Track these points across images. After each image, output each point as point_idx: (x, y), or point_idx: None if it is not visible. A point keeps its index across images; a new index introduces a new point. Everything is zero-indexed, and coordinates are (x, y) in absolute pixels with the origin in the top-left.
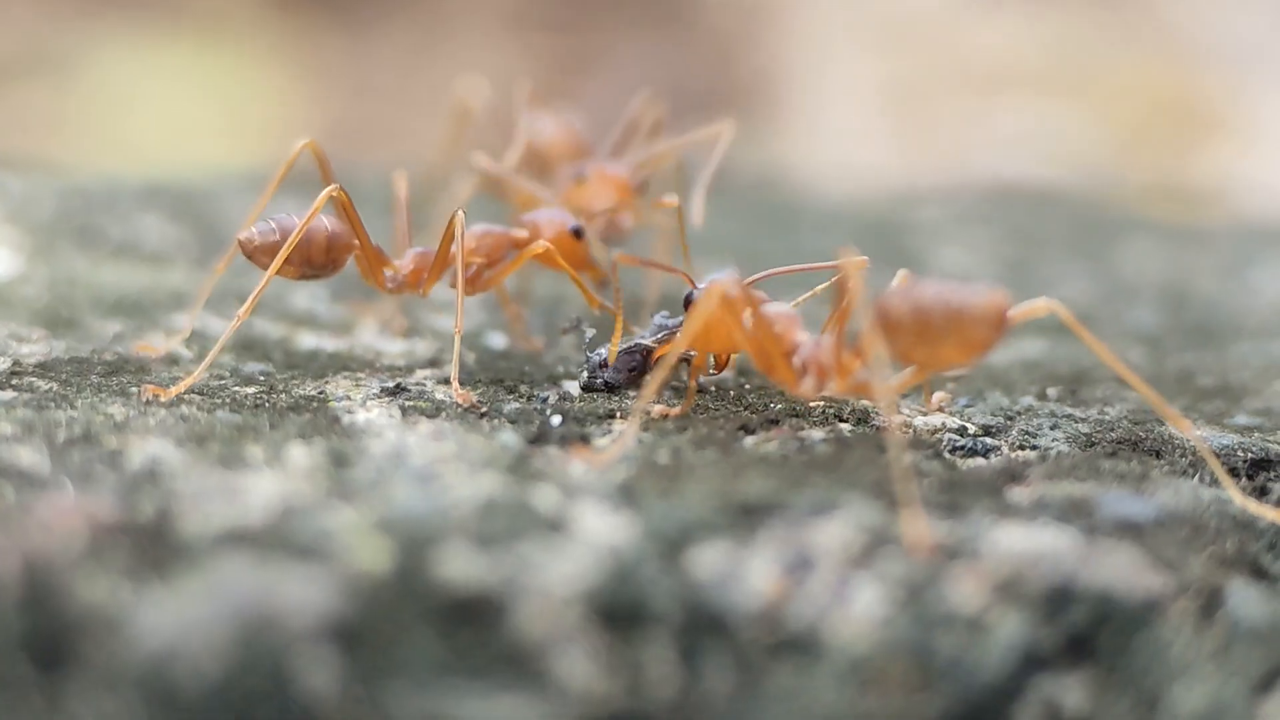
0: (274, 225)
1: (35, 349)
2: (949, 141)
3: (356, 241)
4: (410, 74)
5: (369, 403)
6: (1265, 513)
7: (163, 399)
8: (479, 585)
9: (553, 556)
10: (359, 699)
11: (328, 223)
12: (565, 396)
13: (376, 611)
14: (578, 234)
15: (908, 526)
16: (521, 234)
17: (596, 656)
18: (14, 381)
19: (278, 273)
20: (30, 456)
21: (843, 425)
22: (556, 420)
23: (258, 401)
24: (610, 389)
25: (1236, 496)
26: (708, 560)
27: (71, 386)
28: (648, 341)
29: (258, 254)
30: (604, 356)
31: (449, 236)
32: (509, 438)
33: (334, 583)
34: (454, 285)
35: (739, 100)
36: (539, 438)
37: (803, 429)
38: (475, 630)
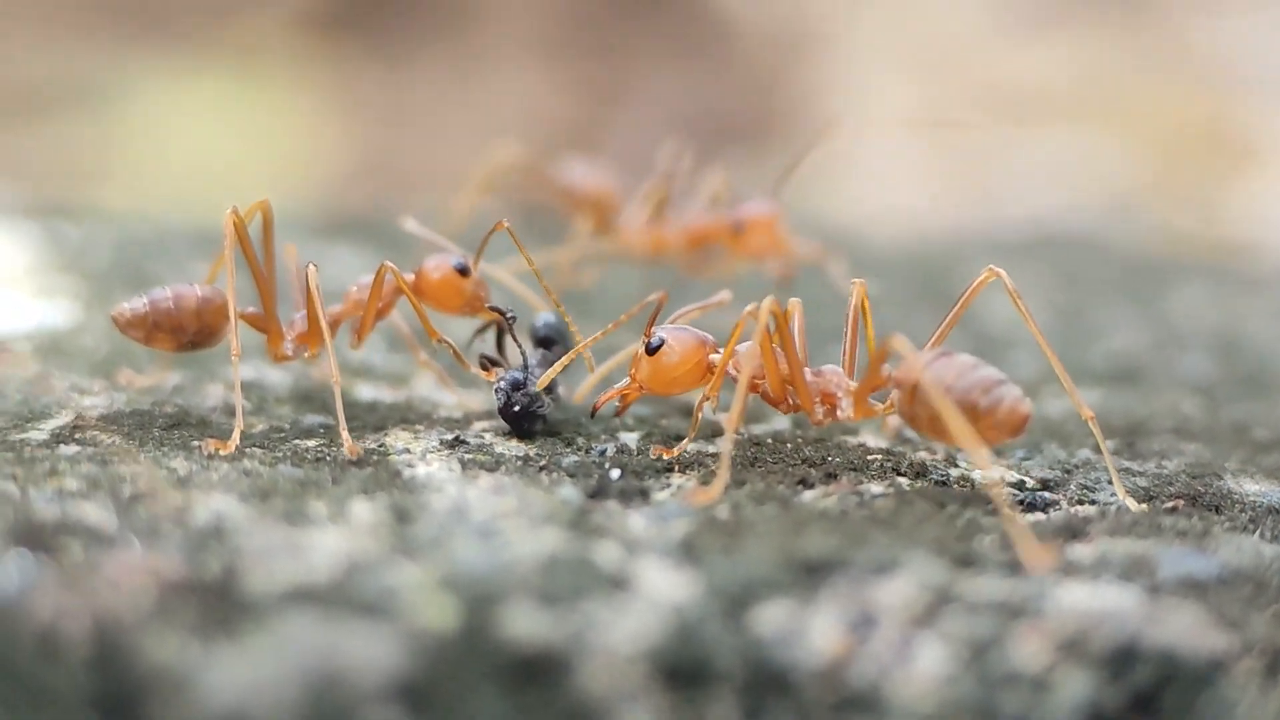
0: (145, 299)
1: (97, 401)
2: (984, 170)
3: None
4: (444, 104)
5: (429, 456)
6: None
7: (223, 453)
8: (544, 643)
9: (616, 614)
10: None
11: (199, 290)
12: (622, 449)
13: (442, 670)
14: (462, 271)
15: (1024, 548)
16: (409, 278)
17: (660, 714)
18: (77, 435)
19: (157, 346)
20: (96, 513)
21: (901, 479)
22: (615, 474)
23: (319, 455)
24: (527, 420)
25: None
26: (771, 618)
27: (134, 440)
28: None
29: (129, 328)
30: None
31: (376, 286)
32: (569, 492)
33: (400, 641)
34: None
35: (771, 130)
36: (598, 492)
37: (861, 483)
38: (540, 688)
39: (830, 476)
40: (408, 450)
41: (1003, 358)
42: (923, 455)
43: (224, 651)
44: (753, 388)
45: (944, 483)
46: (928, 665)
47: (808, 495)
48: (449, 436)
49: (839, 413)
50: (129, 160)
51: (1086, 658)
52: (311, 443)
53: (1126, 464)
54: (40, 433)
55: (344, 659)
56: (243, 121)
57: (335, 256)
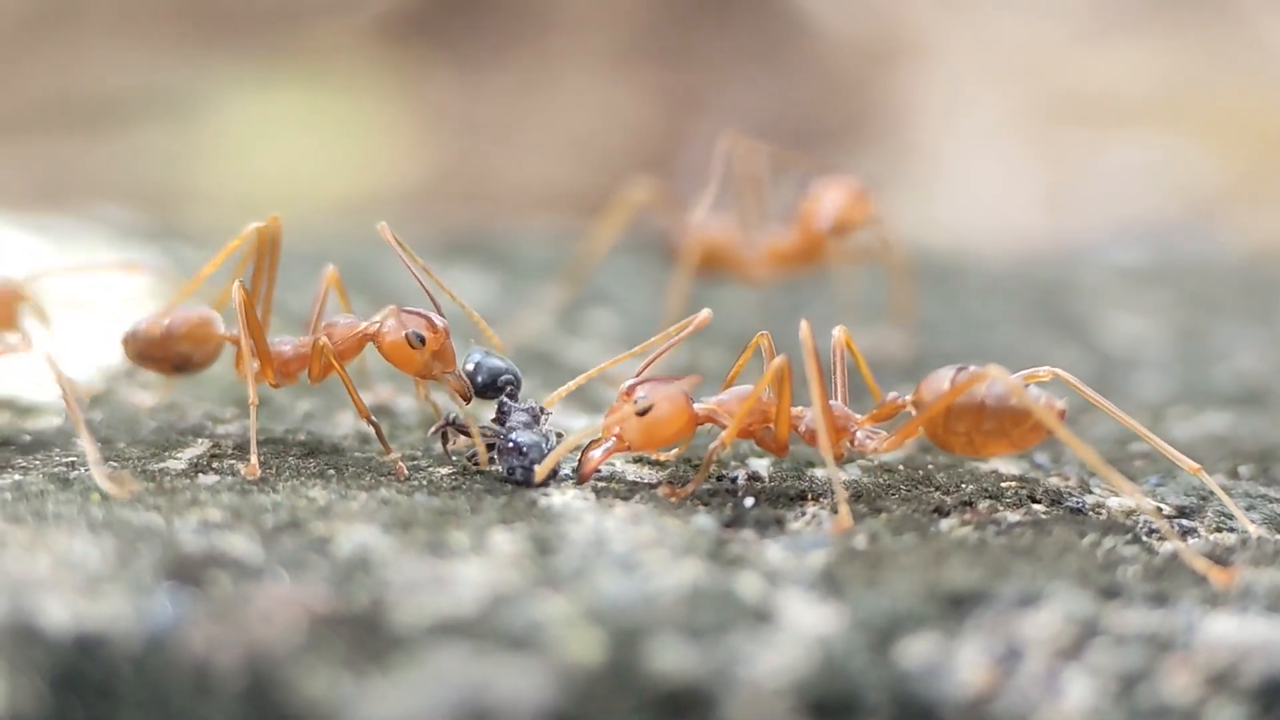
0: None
1: (231, 429)
2: (1072, 178)
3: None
4: (519, 113)
5: (562, 484)
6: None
7: (250, 478)
8: (690, 677)
9: (761, 647)
10: None
11: (183, 315)
12: (754, 476)
13: (591, 704)
14: (414, 341)
15: (1201, 567)
16: (373, 327)
17: None
18: (214, 465)
19: (154, 369)
20: (242, 544)
21: (1036, 506)
22: (749, 502)
23: (454, 484)
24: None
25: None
26: (917, 651)
27: (270, 469)
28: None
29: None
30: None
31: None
32: (704, 521)
33: (548, 674)
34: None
35: (853, 136)
36: (734, 521)
37: (997, 510)
38: None
39: (966, 504)
40: (545, 482)
41: (1125, 380)
42: (1055, 481)
43: (376, 685)
44: (747, 433)
45: (1080, 510)
46: (1076, 699)
47: (944, 524)
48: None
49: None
50: (209, 167)
51: (1237, 690)
52: (445, 470)
53: (1263, 490)
54: (179, 462)
55: (495, 692)
56: (320, 131)
57: (455, 278)
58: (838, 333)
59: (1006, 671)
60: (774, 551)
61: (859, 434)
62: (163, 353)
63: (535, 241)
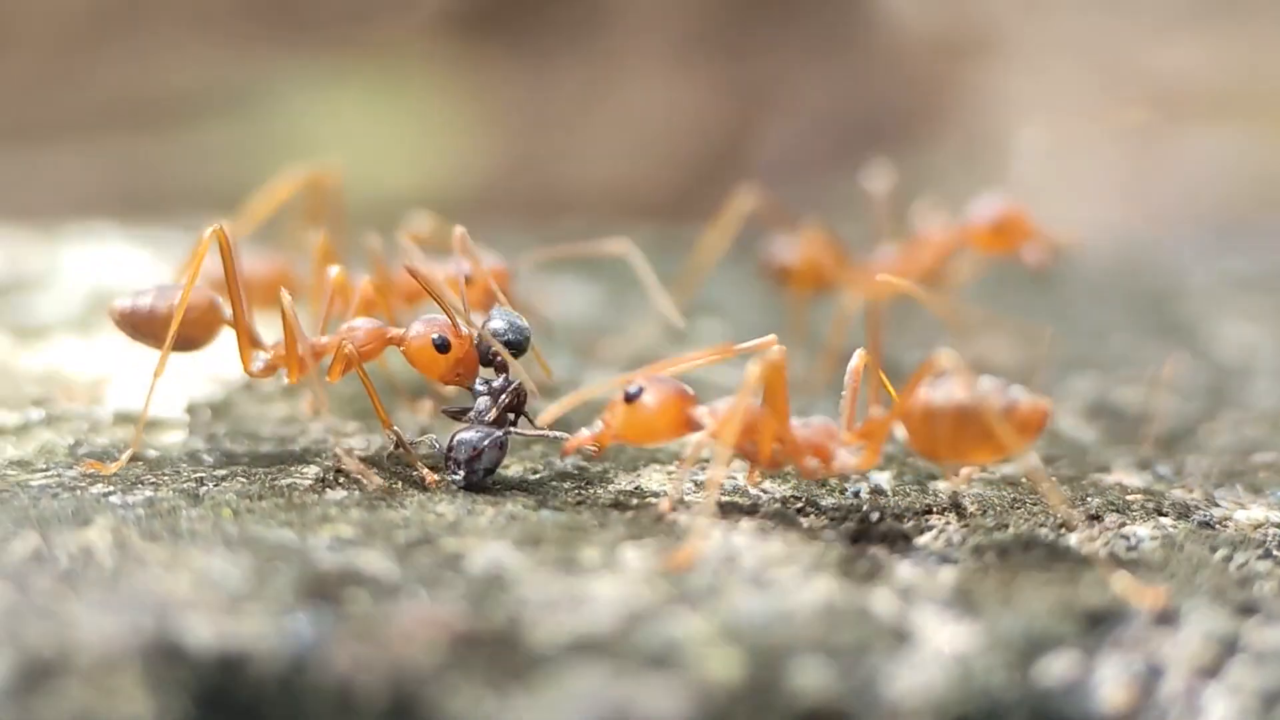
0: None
1: (354, 443)
2: (1150, 171)
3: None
4: (585, 108)
5: (687, 498)
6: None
7: (103, 473)
8: (831, 696)
9: (900, 666)
10: None
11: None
12: (876, 490)
13: None
14: (440, 347)
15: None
16: (399, 332)
17: None
18: (341, 480)
19: (149, 345)
20: (378, 561)
21: (1164, 519)
22: (875, 516)
23: (579, 498)
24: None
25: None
26: (1057, 670)
27: (396, 483)
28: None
29: (119, 325)
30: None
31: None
32: (831, 536)
33: (689, 693)
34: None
35: (923, 130)
36: (861, 536)
37: (1125, 524)
38: None
39: (1093, 519)
40: (665, 493)
41: (1243, 389)
42: (1180, 494)
43: (518, 704)
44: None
45: (1208, 524)
46: (1217, 718)
47: (1073, 539)
48: (703, 477)
49: (835, 465)
50: (277, 169)
51: None
52: (567, 484)
53: None
54: (305, 477)
55: (638, 711)
56: (385, 127)
57: (561, 289)
58: (856, 359)
59: (1146, 690)
60: (904, 567)
61: (841, 452)
62: (162, 331)
63: (639, 247)
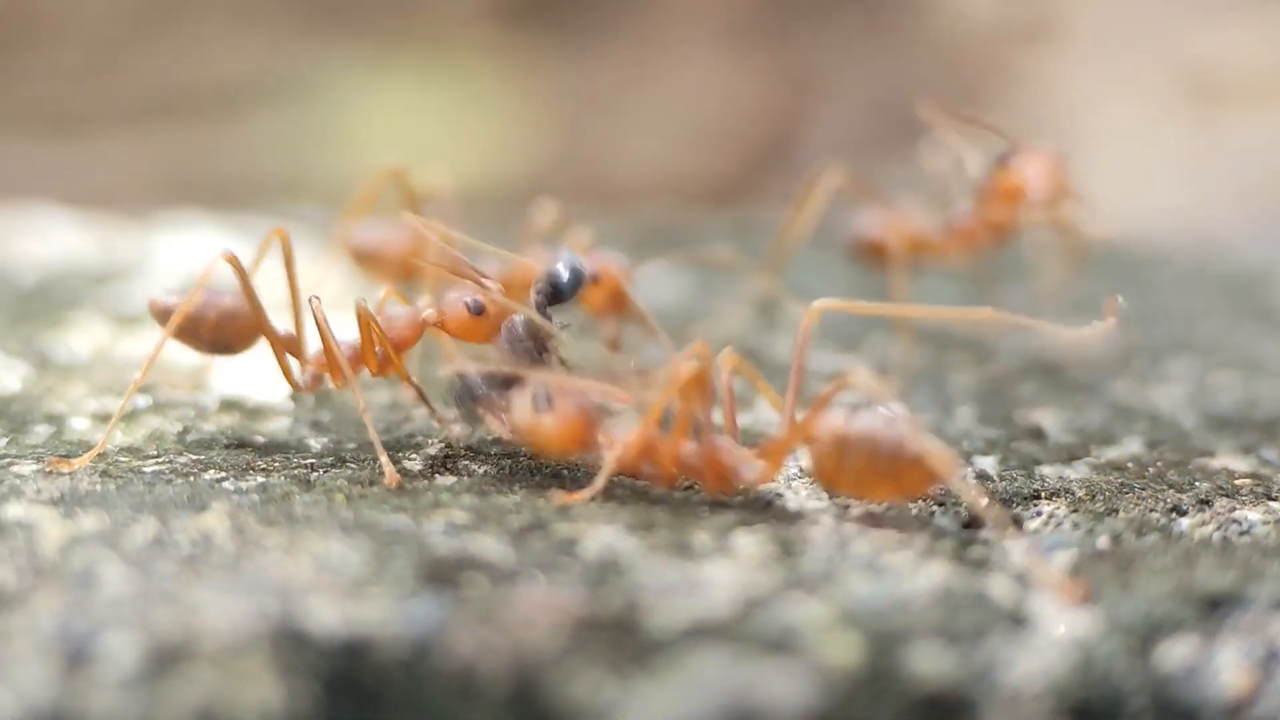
0: (177, 298)
1: (456, 430)
2: (1211, 157)
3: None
4: (633, 95)
5: (793, 484)
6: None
7: (64, 470)
8: (950, 681)
9: (1019, 652)
10: None
11: (228, 301)
12: (982, 475)
13: (855, 708)
14: (475, 310)
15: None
16: (431, 313)
17: None
18: (448, 464)
19: (190, 344)
20: (493, 546)
21: (1274, 504)
22: (984, 502)
23: (687, 482)
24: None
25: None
26: (1176, 655)
27: (505, 469)
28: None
29: (158, 318)
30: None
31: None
32: (942, 522)
33: (810, 678)
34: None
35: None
36: (972, 521)
37: (1235, 509)
38: None
39: (1203, 503)
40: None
41: None
42: None
43: (641, 689)
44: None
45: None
46: None
47: (1184, 523)
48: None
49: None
50: (326, 158)
51: None
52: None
53: None
54: (414, 463)
55: (760, 696)
56: (434, 116)
57: (650, 276)
58: (724, 361)
59: (1267, 674)
60: (1015, 552)
61: (742, 469)
62: (207, 335)
63: (717, 233)
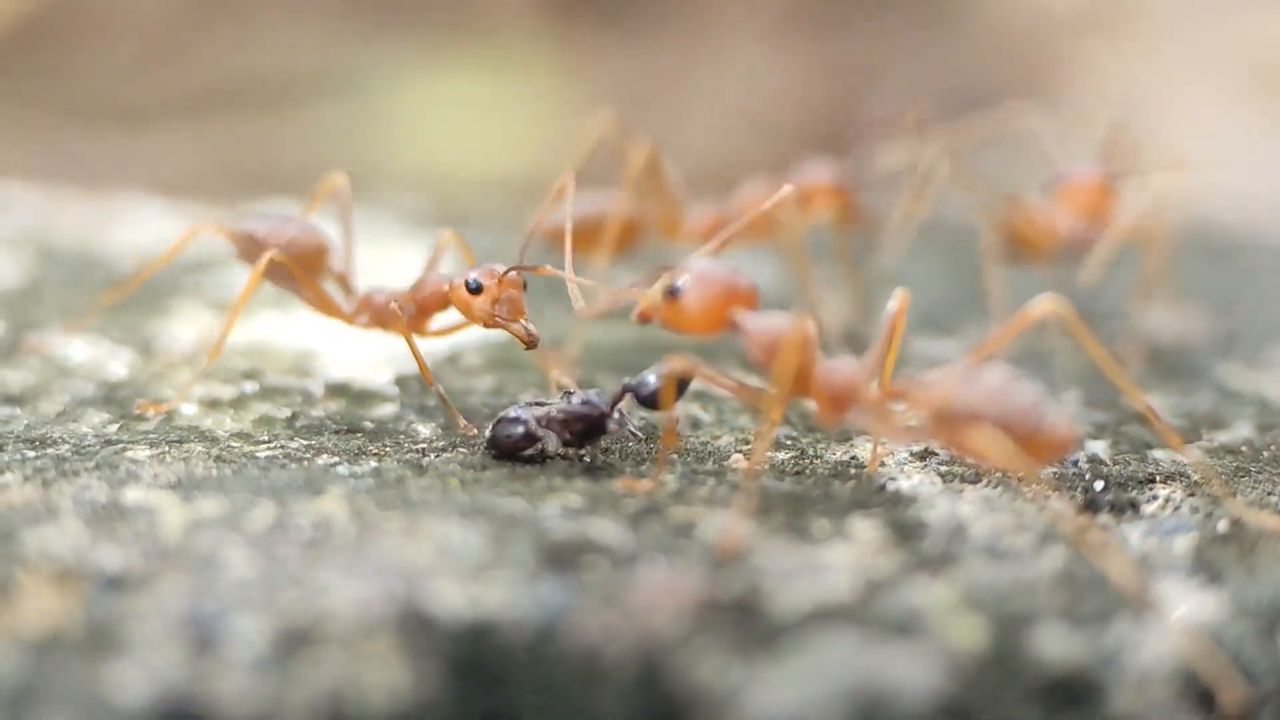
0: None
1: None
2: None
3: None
4: (685, 86)
5: (905, 468)
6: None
7: (153, 414)
8: (1077, 664)
9: (1146, 635)
10: None
11: (294, 229)
12: (1095, 459)
13: (981, 691)
14: (472, 288)
15: None
16: (444, 284)
17: None
18: (559, 451)
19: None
20: (611, 530)
21: None
22: (1099, 485)
23: (798, 468)
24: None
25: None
26: None
27: (614, 454)
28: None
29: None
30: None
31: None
32: (1058, 506)
33: (936, 661)
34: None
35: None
36: (1089, 505)
37: None
38: (1077, 710)
39: None
40: (882, 463)
41: None
42: None
43: (767, 672)
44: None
45: None
46: None
47: None
48: (917, 448)
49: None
50: (382, 150)
51: None
52: (783, 455)
53: None
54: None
55: (887, 679)
56: (488, 107)
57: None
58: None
59: None
60: (1136, 536)
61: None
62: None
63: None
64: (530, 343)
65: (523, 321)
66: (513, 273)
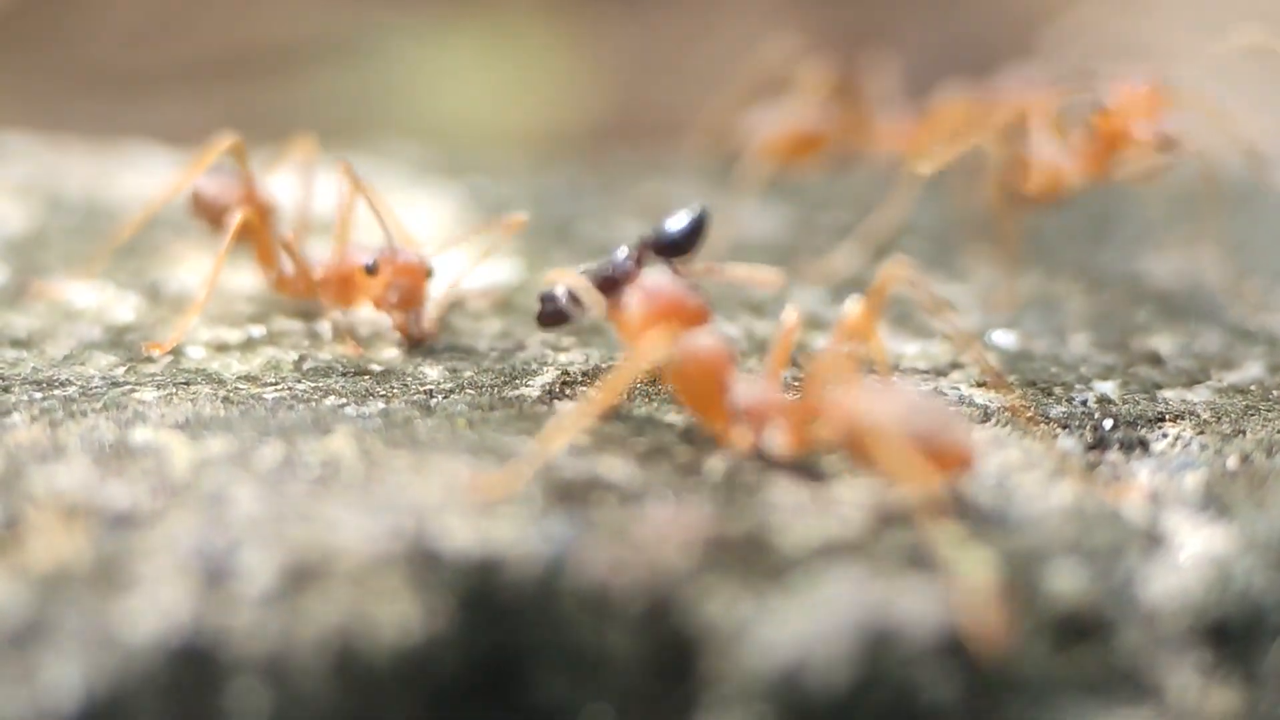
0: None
1: (573, 357)
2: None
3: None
4: (691, 53)
5: None
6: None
7: (158, 354)
8: (1089, 599)
9: (1157, 569)
10: (981, 713)
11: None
12: (1104, 399)
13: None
14: (369, 270)
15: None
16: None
17: (1207, 670)
18: (567, 392)
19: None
20: (620, 468)
21: None
22: (1109, 424)
23: None
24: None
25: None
26: None
27: (624, 395)
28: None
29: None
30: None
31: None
32: (1067, 443)
33: (944, 596)
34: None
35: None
36: (1098, 443)
37: None
38: (1088, 645)
39: None
40: None
41: None
42: None
43: (776, 606)
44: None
45: None
46: None
47: None
48: (925, 388)
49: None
50: (387, 117)
51: None
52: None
53: None
54: (533, 389)
55: (895, 614)
56: (492, 74)
57: (745, 210)
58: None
59: None
60: (1145, 473)
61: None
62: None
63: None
64: (411, 339)
65: (415, 312)
66: (418, 260)
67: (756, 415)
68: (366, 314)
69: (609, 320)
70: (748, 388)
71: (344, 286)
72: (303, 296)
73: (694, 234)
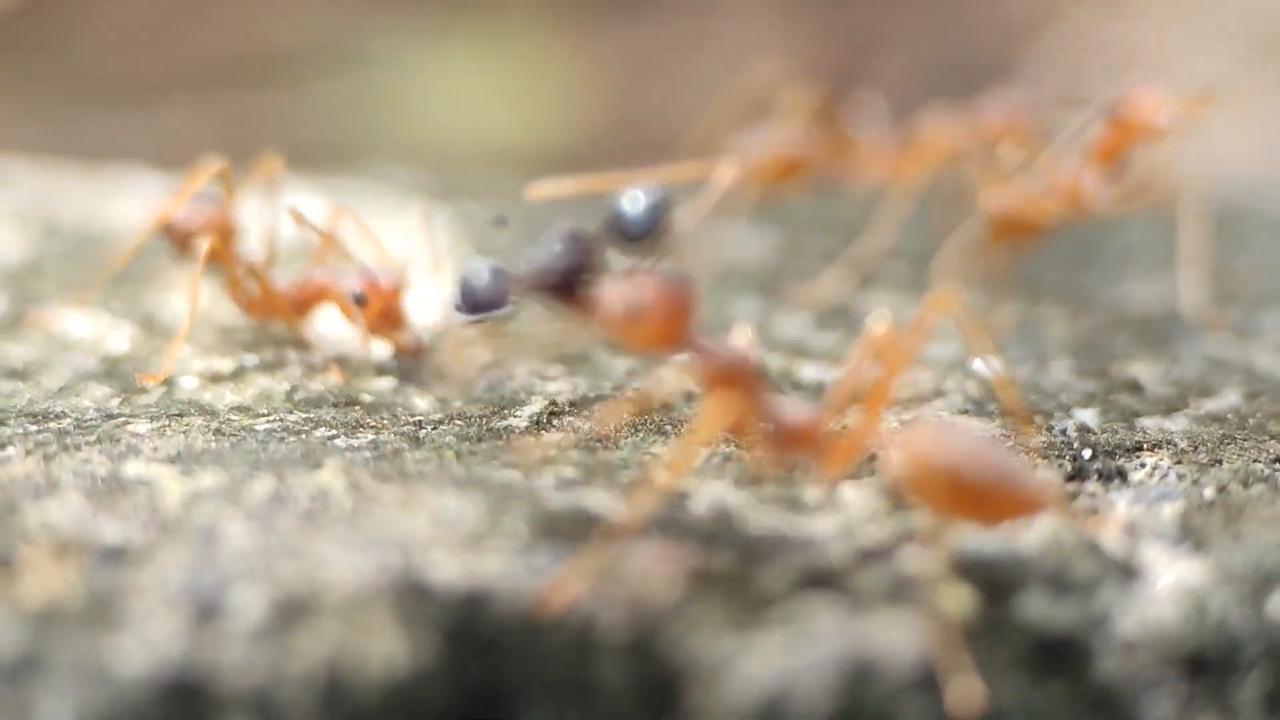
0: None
1: (561, 386)
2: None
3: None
4: (688, 58)
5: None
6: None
7: (151, 385)
8: (1065, 630)
9: (1133, 601)
10: None
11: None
12: (1084, 428)
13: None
14: (357, 300)
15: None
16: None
17: (1182, 702)
18: (554, 421)
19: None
20: (605, 501)
21: None
22: (1087, 454)
23: None
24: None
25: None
26: None
27: (609, 426)
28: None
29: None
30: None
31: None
32: (1046, 474)
33: (924, 628)
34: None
35: (1026, 76)
36: (1077, 474)
37: None
38: (1062, 676)
39: None
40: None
41: None
42: None
43: (757, 641)
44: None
45: None
46: None
47: None
48: (907, 416)
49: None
50: (386, 125)
51: None
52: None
53: None
54: (520, 419)
55: (875, 647)
56: (493, 80)
57: (737, 235)
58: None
59: None
60: (1123, 504)
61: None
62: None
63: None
64: (415, 354)
65: (407, 333)
66: (398, 280)
67: (802, 442)
68: (352, 343)
69: (579, 319)
70: (794, 413)
71: (304, 306)
72: (272, 319)
73: (657, 216)
